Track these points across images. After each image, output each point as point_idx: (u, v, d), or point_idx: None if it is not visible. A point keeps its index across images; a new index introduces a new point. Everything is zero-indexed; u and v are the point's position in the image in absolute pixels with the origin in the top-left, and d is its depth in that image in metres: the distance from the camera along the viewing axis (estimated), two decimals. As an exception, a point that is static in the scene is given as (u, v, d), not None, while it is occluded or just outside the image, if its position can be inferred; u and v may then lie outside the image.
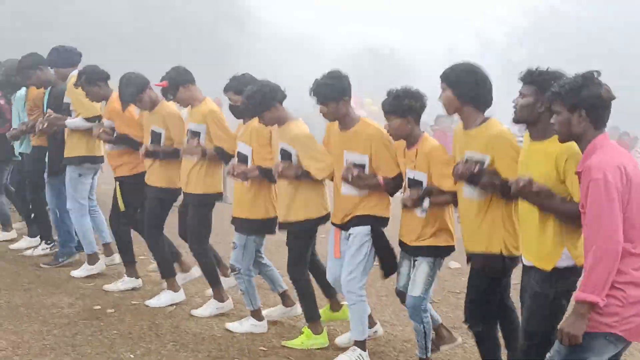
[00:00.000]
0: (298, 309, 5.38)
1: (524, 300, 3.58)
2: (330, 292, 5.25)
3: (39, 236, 7.39)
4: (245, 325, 5.23)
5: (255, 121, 4.96)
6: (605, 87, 3.04)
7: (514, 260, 3.83)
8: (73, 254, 6.87)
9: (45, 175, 6.88)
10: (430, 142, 4.19)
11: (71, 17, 33.77)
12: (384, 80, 25.36)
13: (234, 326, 5.24)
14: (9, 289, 6.01)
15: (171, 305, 5.64)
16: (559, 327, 3.03)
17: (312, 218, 4.79)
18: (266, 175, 4.92)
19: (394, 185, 4.42)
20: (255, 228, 5.14)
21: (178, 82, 5.35)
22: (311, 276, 5.09)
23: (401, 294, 4.45)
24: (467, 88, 3.80)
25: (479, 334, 4.00)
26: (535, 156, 3.45)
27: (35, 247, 7.30)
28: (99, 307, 5.66)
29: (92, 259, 6.58)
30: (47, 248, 7.24)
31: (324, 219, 4.87)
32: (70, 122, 6.24)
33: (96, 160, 6.47)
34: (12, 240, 7.76)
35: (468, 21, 50.34)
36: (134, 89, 5.50)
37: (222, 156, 5.42)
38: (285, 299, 5.52)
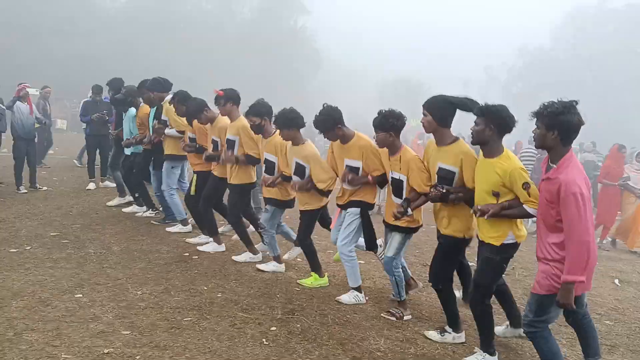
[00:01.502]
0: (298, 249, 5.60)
1: (478, 263, 3.73)
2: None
3: (144, 206, 7.71)
4: (269, 266, 5.51)
5: (276, 137, 5.08)
6: (578, 117, 3.07)
7: (469, 240, 3.97)
8: (175, 219, 7.04)
9: (151, 168, 7.21)
10: (410, 153, 4.19)
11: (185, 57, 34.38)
12: (412, 103, 25.29)
13: (262, 266, 5.52)
14: (128, 240, 6.26)
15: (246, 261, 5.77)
16: (556, 299, 3.09)
17: (315, 208, 5.03)
18: (285, 180, 5.14)
19: (380, 180, 4.51)
20: (280, 203, 5.33)
21: (230, 98, 5.51)
22: None
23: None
24: (444, 114, 3.83)
25: (440, 290, 4.07)
26: (486, 168, 3.52)
27: (144, 212, 7.63)
28: (187, 254, 5.84)
29: (184, 222, 6.84)
30: (152, 213, 7.54)
31: (322, 208, 5.13)
32: (168, 131, 6.50)
33: (182, 158, 6.68)
34: (125, 205, 8.05)
35: (478, 60, 49.46)
36: (196, 109, 5.73)
37: (250, 161, 5.57)
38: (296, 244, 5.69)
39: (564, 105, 3.07)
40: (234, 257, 5.81)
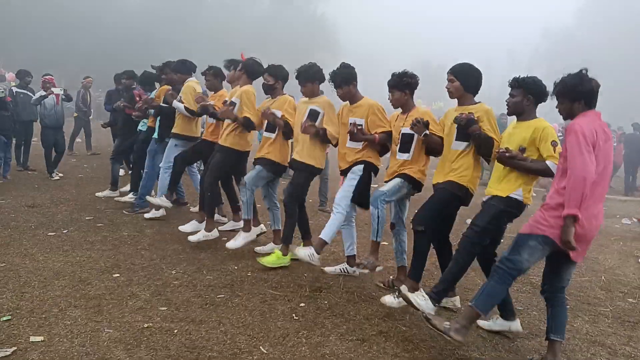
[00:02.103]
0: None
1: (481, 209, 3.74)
2: (306, 236, 5.34)
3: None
4: (238, 240, 5.29)
5: (286, 97, 5.21)
6: (594, 81, 3.17)
7: (470, 195, 4.00)
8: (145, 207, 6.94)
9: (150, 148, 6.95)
10: (422, 109, 4.37)
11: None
12: (431, 88, 25.10)
13: (230, 244, 5.28)
14: (160, 223, 6.50)
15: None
16: (560, 237, 3.08)
17: (314, 166, 4.95)
18: (287, 128, 5.08)
19: (385, 137, 4.52)
20: (270, 164, 5.18)
21: (246, 68, 5.50)
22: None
23: (392, 225, 4.60)
24: (471, 81, 3.97)
25: (418, 232, 3.99)
26: (520, 127, 3.64)
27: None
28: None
29: (168, 197, 6.41)
30: (132, 197, 7.36)
31: (319, 170, 5.04)
32: (176, 104, 6.33)
33: (188, 139, 6.48)
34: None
35: (501, 43, 48.73)
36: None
37: (247, 123, 5.37)
38: (276, 237, 5.53)
39: (579, 76, 3.19)
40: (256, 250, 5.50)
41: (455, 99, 4.08)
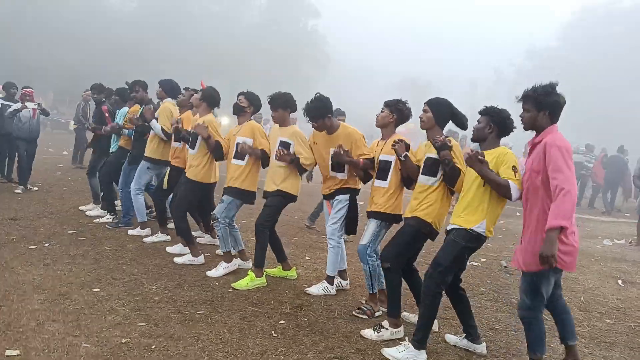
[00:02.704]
0: (249, 263, 5.44)
1: (442, 246, 3.76)
2: (281, 257, 5.39)
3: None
4: (219, 270, 5.26)
5: (252, 122, 5.25)
6: (562, 96, 3.28)
7: (436, 232, 4.03)
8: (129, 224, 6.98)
9: (124, 166, 6.97)
10: (401, 135, 4.40)
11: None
12: (420, 104, 25.23)
13: (211, 272, 5.24)
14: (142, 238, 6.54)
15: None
16: (539, 253, 3.07)
17: (288, 192, 5.01)
18: (263, 158, 5.14)
19: (368, 163, 4.57)
20: (239, 193, 5.18)
21: (205, 98, 5.58)
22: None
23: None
24: (445, 116, 4.07)
25: (387, 269, 4.05)
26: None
27: (102, 217, 7.36)
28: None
29: (144, 225, 6.67)
30: (110, 218, 7.23)
31: (293, 197, 5.07)
32: (154, 123, 6.31)
33: (160, 163, 6.46)
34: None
35: (487, 61, 49.38)
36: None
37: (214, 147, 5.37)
38: (242, 255, 5.57)
39: (550, 87, 3.28)
40: (175, 259, 5.59)
41: (425, 130, 4.13)
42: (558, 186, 3.06)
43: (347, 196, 4.79)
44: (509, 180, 3.44)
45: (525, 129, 3.42)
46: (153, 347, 3.51)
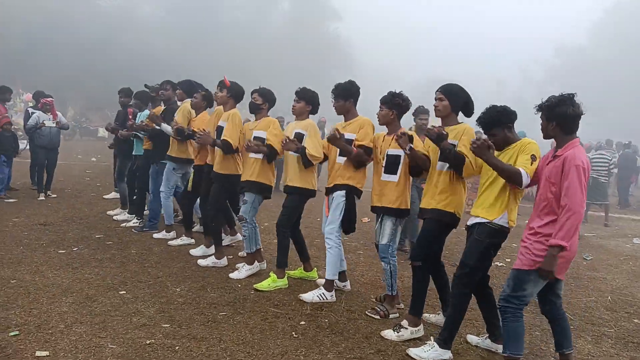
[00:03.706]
0: (264, 264, 5.56)
1: (466, 245, 3.75)
2: (304, 257, 5.42)
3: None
4: (242, 272, 5.32)
5: (269, 117, 5.30)
6: (573, 108, 3.23)
7: (457, 219, 4.01)
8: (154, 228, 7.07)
9: (151, 171, 7.10)
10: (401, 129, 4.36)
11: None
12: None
13: (234, 275, 5.30)
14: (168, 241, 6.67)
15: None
16: (539, 267, 3.19)
17: (306, 188, 5.01)
18: (271, 152, 5.11)
19: (363, 152, 4.57)
20: (255, 187, 5.20)
21: (232, 93, 5.62)
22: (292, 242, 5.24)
23: (376, 246, 4.59)
24: (459, 101, 4.03)
25: (418, 268, 4.06)
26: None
27: (129, 221, 7.52)
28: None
29: (170, 228, 6.80)
30: (137, 222, 7.39)
31: (312, 193, 5.08)
32: (164, 126, 6.48)
33: (184, 161, 6.53)
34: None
35: (514, 61, 48.70)
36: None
37: (225, 146, 5.42)
38: (258, 254, 5.54)
39: (559, 99, 3.27)
40: (199, 262, 5.67)
41: (440, 118, 4.11)
42: (567, 205, 3.13)
43: (343, 192, 4.69)
44: (520, 168, 3.38)
45: (543, 138, 3.45)
46: (177, 347, 3.60)
